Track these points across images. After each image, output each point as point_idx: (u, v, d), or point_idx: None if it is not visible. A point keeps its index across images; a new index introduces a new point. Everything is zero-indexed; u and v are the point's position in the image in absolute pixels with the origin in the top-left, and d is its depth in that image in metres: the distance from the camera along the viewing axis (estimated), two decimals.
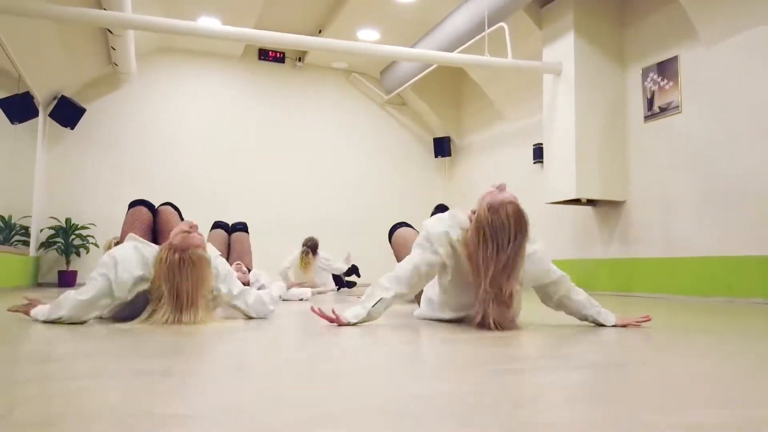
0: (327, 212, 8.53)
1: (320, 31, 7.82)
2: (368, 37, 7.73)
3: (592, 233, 6.35)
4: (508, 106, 7.71)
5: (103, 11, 5.21)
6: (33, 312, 2.41)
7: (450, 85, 8.91)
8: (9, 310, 2.57)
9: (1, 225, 6.32)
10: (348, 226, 8.52)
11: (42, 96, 6.92)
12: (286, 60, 8.63)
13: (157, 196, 6.59)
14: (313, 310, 2.29)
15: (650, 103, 5.62)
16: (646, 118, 5.67)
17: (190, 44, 8.01)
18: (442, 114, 9.05)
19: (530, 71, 6.22)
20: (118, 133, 7.78)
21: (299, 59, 8.62)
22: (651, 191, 5.62)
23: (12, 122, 6.72)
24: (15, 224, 6.64)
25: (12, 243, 6.63)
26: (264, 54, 8.44)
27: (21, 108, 6.65)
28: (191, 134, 8.13)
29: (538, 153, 6.93)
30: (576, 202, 5.99)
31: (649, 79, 5.63)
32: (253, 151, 8.42)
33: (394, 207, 8.84)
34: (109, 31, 6.15)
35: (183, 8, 6.95)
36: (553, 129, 6.03)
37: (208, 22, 7.31)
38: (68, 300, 2.29)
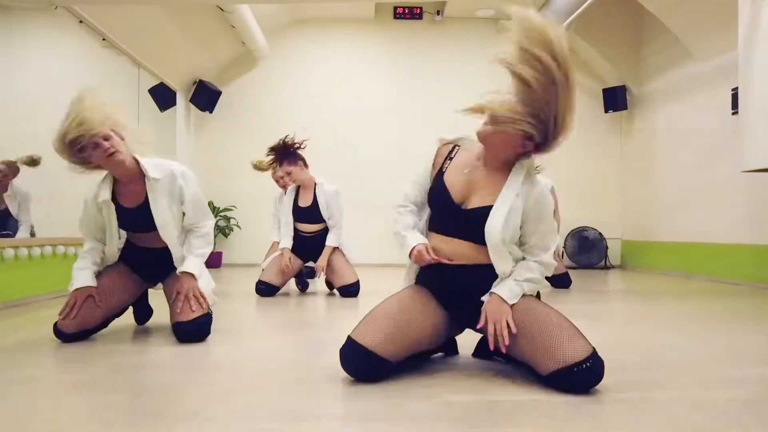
0: None
1: None
2: None
3: None
4: (697, 40, 5.87)
5: None
6: None
7: (623, 20, 7.18)
8: None
9: None
10: None
11: (180, 83, 7.05)
12: (424, 15, 7.72)
13: None
14: None
15: None
16: None
17: (320, 12, 7.56)
18: (615, 58, 7.36)
19: None
20: (256, 112, 7.71)
21: (438, 12, 7.65)
22: None
23: (161, 110, 7.00)
24: None
25: None
26: (399, 12, 7.65)
27: (165, 96, 6.87)
28: (329, 105, 7.74)
29: (738, 100, 5.14)
30: None
31: None
32: (396, 116, 7.77)
33: (556, 171, 7.52)
34: (220, 8, 5.92)
35: None
36: (752, 69, 4.30)
37: None
38: None
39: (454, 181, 1.94)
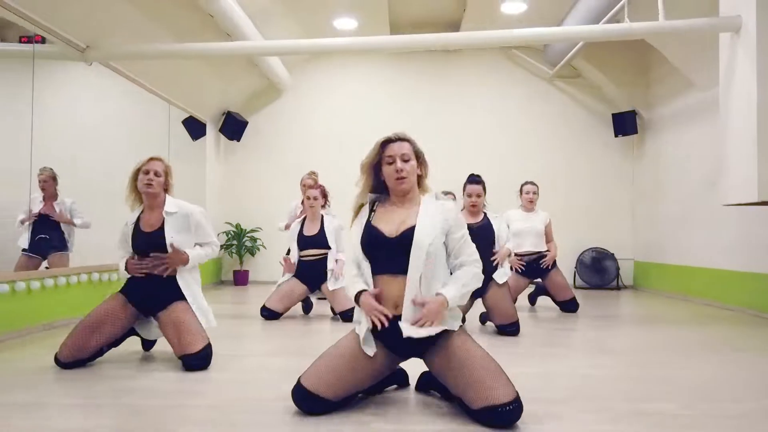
0: (493, 204, 7.89)
1: (464, 10, 7.13)
2: (514, 10, 6.77)
3: None
4: (696, 70, 6.03)
5: (236, 43, 5.44)
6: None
7: (631, 47, 7.34)
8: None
9: None
10: None
11: (209, 114, 7.64)
12: None
13: None
14: None
15: None
16: None
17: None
18: (625, 84, 7.54)
19: (697, 32, 4.69)
20: (279, 140, 8.23)
21: None
22: None
23: (193, 140, 7.60)
24: None
25: None
26: None
27: (196, 126, 7.48)
28: (346, 132, 8.17)
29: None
30: None
31: None
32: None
33: (569, 193, 7.88)
34: None
35: (317, 13, 6.96)
36: (729, 106, 4.49)
37: (345, 24, 7.22)
38: None
39: (381, 222, 2.34)
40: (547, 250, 5.26)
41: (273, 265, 7.82)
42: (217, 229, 7.99)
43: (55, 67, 4.72)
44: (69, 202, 4.72)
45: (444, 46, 5.16)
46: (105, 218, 5.02)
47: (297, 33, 7.19)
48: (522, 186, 5.45)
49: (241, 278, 7.91)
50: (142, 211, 3.21)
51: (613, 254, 7.69)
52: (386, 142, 2.40)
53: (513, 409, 2.03)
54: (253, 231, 8.00)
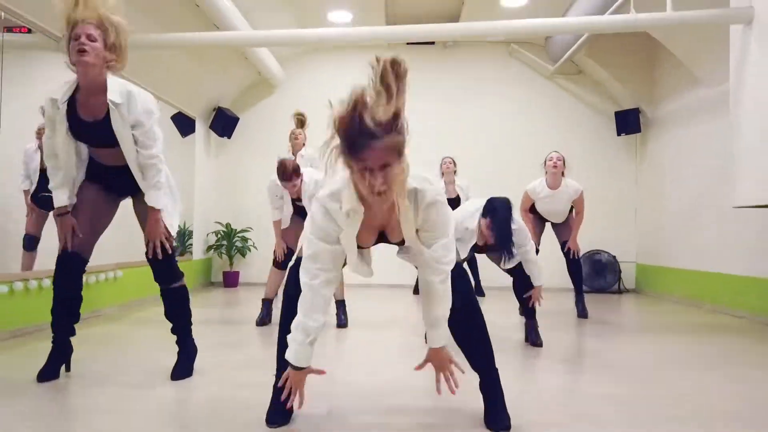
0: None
1: (463, 3, 6.88)
2: (514, 3, 6.53)
3: None
4: (701, 65, 5.80)
5: (223, 33, 5.24)
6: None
7: (635, 43, 7.10)
8: None
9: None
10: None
11: (199, 110, 7.39)
12: (436, 41, 7.84)
13: None
14: None
15: None
16: None
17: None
18: (629, 81, 7.30)
19: (706, 24, 4.45)
20: (273, 138, 7.96)
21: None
22: None
23: (182, 136, 7.36)
24: (188, 230, 7.31)
25: (187, 248, 7.32)
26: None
27: (186, 122, 7.24)
28: None
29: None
30: None
31: None
32: (409, 142, 7.90)
33: None
34: None
35: (311, 5, 6.72)
36: (741, 101, 4.26)
37: (340, 17, 6.99)
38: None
39: (363, 237, 1.95)
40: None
41: (265, 266, 7.56)
42: (206, 229, 7.75)
43: (28, 59, 4.45)
44: None
45: (444, 37, 4.90)
46: None
47: (290, 25, 6.95)
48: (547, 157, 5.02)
49: (231, 279, 7.66)
50: (75, 89, 2.55)
51: (614, 257, 7.46)
52: (360, 142, 1.59)
53: None
54: (243, 231, 7.75)
